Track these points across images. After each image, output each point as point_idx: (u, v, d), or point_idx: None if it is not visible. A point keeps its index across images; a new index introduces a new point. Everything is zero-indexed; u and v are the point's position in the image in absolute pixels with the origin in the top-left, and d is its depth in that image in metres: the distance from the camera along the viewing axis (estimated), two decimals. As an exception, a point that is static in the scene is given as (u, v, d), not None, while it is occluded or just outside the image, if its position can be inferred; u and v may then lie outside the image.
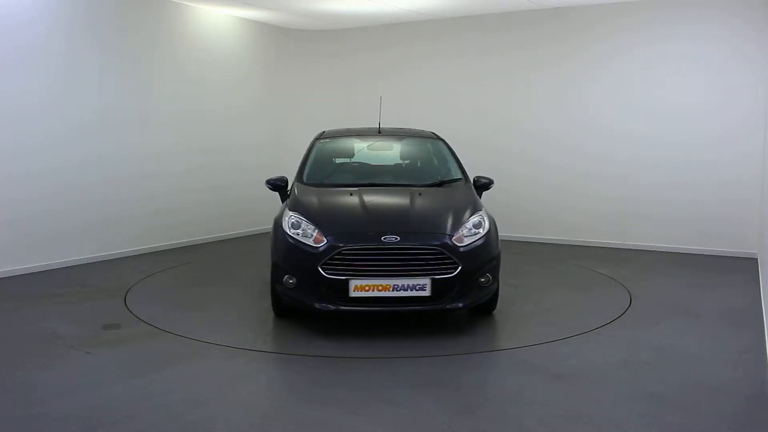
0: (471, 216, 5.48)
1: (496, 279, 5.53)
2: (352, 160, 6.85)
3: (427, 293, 5.06)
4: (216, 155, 9.56)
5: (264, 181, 6.36)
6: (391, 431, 3.64)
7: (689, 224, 8.59)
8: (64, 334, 5.28)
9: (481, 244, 5.32)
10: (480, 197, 6.23)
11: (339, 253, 5.06)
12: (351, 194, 5.75)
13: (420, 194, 5.78)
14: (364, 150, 6.98)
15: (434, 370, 4.56)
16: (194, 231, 9.32)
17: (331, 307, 5.11)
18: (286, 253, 5.31)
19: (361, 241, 5.12)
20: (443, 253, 5.10)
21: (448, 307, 5.15)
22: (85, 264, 7.81)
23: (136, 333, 5.35)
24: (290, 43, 10.84)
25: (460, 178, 6.25)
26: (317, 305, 5.15)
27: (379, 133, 6.94)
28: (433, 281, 5.05)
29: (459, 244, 5.21)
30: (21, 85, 7.20)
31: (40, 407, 3.94)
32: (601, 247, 9.05)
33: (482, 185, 6.28)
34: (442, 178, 6.29)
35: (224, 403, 4.00)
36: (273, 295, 5.61)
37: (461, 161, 6.60)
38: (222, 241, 9.63)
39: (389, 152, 6.91)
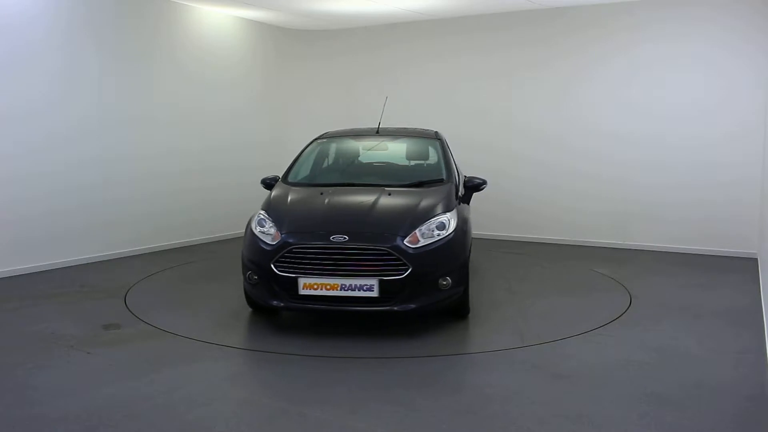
0: (435, 217, 5.37)
1: (460, 283, 5.38)
2: (342, 160, 6.90)
3: (374, 294, 5.03)
4: (216, 155, 9.56)
5: None
6: (391, 431, 3.64)
7: (689, 224, 8.59)
8: (64, 334, 5.28)
9: (440, 247, 5.22)
10: (470, 198, 6.20)
11: (289, 251, 5.15)
12: (321, 194, 5.81)
13: (390, 194, 5.74)
14: (356, 150, 7.01)
15: (434, 370, 4.56)
16: (194, 231, 9.32)
17: (282, 304, 5.21)
18: (250, 250, 5.44)
19: (311, 239, 5.19)
20: (392, 255, 5.05)
21: (397, 309, 5.08)
22: (85, 264, 7.82)
23: (136, 333, 5.35)
24: (290, 43, 10.84)
25: (442, 179, 6.13)
26: (272, 302, 5.26)
27: (377, 133, 6.97)
28: (381, 282, 5.02)
29: (411, 246, 5.11)
30: (21, 86, 7.20)
31: (40, 407, 3.94)
32: (601, 247, 9.05)
33: (473, 186, 6.20)
34: (425, 178, 6.17)
35: (224, 403, 4.01)
36: (245, 290, 5.73)
37: (455, 161, 6.59)
38: (222, 241, 9.63)
39: (381, 153, 6.90)
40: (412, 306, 5.11)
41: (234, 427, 3.68)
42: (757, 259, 8.02)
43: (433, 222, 5.33)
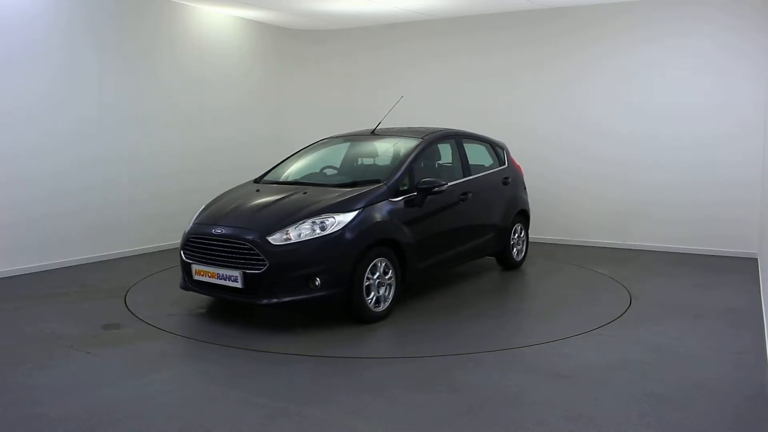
0: (319, 216, 5.38)
1: (339, 285, 5.31)
2: (320, 161, 6.92)
3: (239, 285, 5.31)
4: (216, 155, 9.56)
5: None
6: (391, 431, 3.64)
7: (689, 224, 8.59)
8: (64, 334, 5.28)
9: (311, 246, 5.25)
10: (424, 200, 6.01)
11: (188, 240, 5.72)
12: (257, 191, 6.14)
13: (305, 193, 5.83)
14: (340, 152, 7.01)
15: (434, 370, 4.56)
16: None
17: (181, 286, 5.85)
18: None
19: (200, 230, 5.67)
20: (252, 249, 5.25)
21: (261, 302, 5.25)
22: (85, 264, 7.82)
23: (136, 333, 5.36)
24: (290, 43, 10.84)
25: (379, 180, 5.93)
26: (180, 285, 5.88)
27: (373, 134, 7.04)
28: (244, 275, 5.26)
29: (274, 243, 5.23)
30: (21, 87, 7.21)
31: (40, 407, 3.94)
32: (601, 247, 9.05)
33: (424, 189, 5.99)
34: (367, 178, 6.11)
35: (224, 403, 4.00)
36: None
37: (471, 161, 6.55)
38: (222, 241, 9.62)
39: (363, 154, 6.87)
40: (274, 300, 5.25)
41: (234, 427, 3.68)
42: (757, 259, 8.01)
43: (315, 221, 5.36)
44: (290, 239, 5.26)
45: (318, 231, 5.32)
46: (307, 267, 5.24)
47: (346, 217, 5.43)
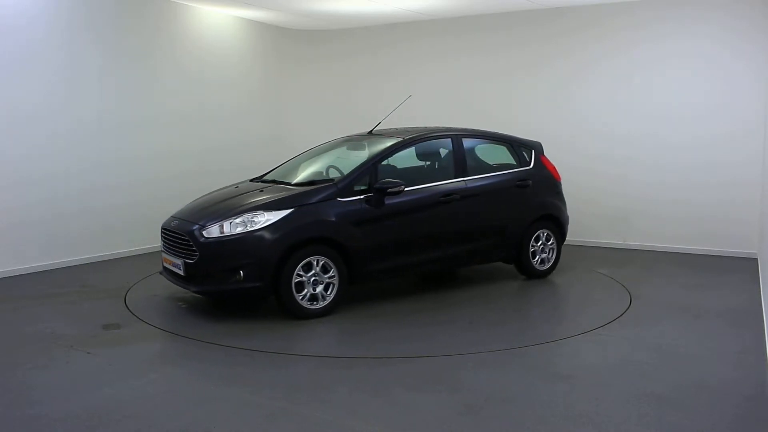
0: (251, 213, 5.62)
1: (260, 279, 5.46)
2: (314, 163, 6.94)
3: (182, 273, 5.76)
4: (216, 155, 9.54)
5: None
6: (391, 431, 3.64)
7: (689, 224, 8.58)
8: (64, 334, 5.28)
9: (238, 240, 5.53)
10: (382, 201, 5.92)
11: (161, 231, 6.22)
12: (237, 187, 6.52)
13: (262, 191, 6.09)
14: (336, 153, 6.99)
15: (434, 370, 4.56)
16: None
17: (160, 271, 6.37)
18: None
19: (166, 222, 6.19)
20: (189, 241, 5.68)
21: (193, 290, 5.72)
22: (85, 264, 7.82)
23: (136, 333, 5.36)
24: (290, 43, 10.84)
25: (331, 179, 6.10)
26: (160, 270, 6.37)
27: (371, 134, 7.07)
28: (185, 264, 5.69)
29: (208, 236, 5.59)
30: (21, 87, 7.20)
31: (40, 407, 3.94)
32: (601, 247, 9.05)
33: (380, 190, 5.90)
34: (322, 177, 6.37)
35: (224, 403, 4.01)
36: None
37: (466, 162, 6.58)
38: (222, 241, 9.62)
39: (354, 155, 6.78)
40: (204, 289, 5.68)
41: (234, 427, 3.68)
42: (757, 259, 8.01)
43: (248, 217, 5.61)
44: (224, 233, 5.57)
45: (248, 227, 5.55)
46: (231, 260, 5.52)
47: (277, 215, 5.61)
